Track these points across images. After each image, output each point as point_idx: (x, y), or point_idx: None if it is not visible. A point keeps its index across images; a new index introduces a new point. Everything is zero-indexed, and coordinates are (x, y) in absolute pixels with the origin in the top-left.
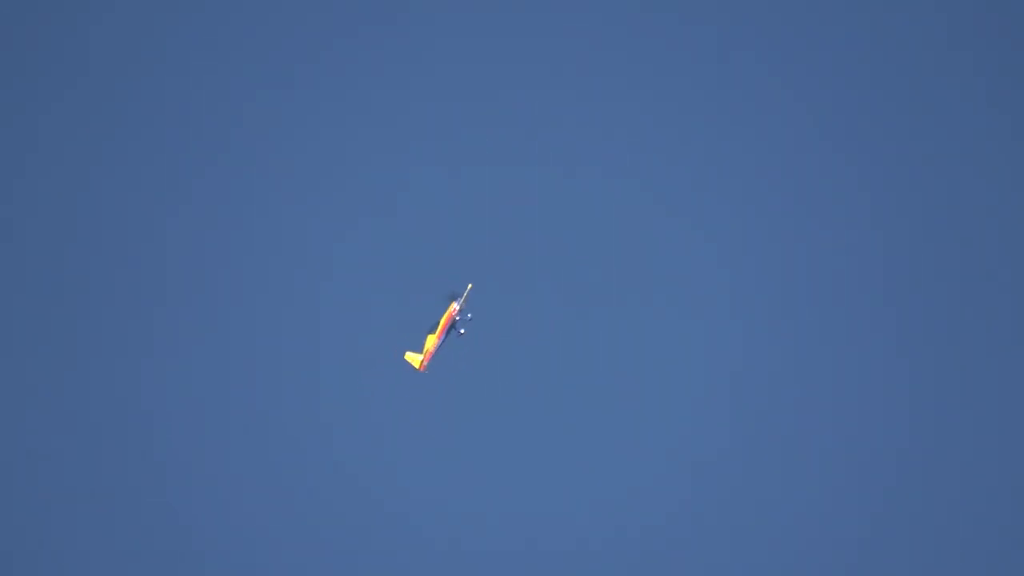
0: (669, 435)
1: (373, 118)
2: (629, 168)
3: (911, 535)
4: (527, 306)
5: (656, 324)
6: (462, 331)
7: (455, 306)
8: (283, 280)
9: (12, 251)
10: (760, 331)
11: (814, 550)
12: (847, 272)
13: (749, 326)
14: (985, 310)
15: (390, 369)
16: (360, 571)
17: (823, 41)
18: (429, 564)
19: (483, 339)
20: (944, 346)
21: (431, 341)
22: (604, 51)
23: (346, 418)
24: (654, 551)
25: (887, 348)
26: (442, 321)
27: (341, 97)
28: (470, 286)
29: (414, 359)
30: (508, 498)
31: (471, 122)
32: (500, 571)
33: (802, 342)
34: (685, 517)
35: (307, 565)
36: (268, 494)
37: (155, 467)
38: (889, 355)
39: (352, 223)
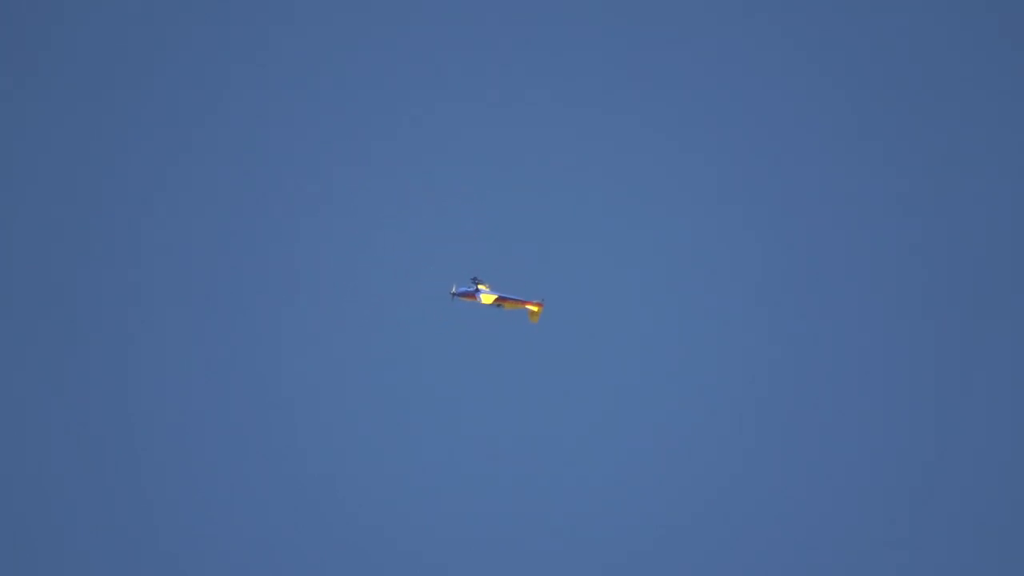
0: (671, 432)
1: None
2: (632, 161)
3: (913, 536)
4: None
5: (657, 321)
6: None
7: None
8: (283, 279)
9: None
10: (763, 327)
11: (814, 548)
12: (849, 270)
13: (757, 320)
14: (1000, 310)
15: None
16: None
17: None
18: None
19: (483, 334)
20: (949, 347)
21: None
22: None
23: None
24: (651, 550)
25: (896, 345)
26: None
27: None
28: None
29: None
30: (506, 493)
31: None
32: (495, 568)
33: (804, 340)
34: (685, 514)
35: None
36: (266, 490)
37: (146, 468)
38: (896, 353)
39: (353, 224)
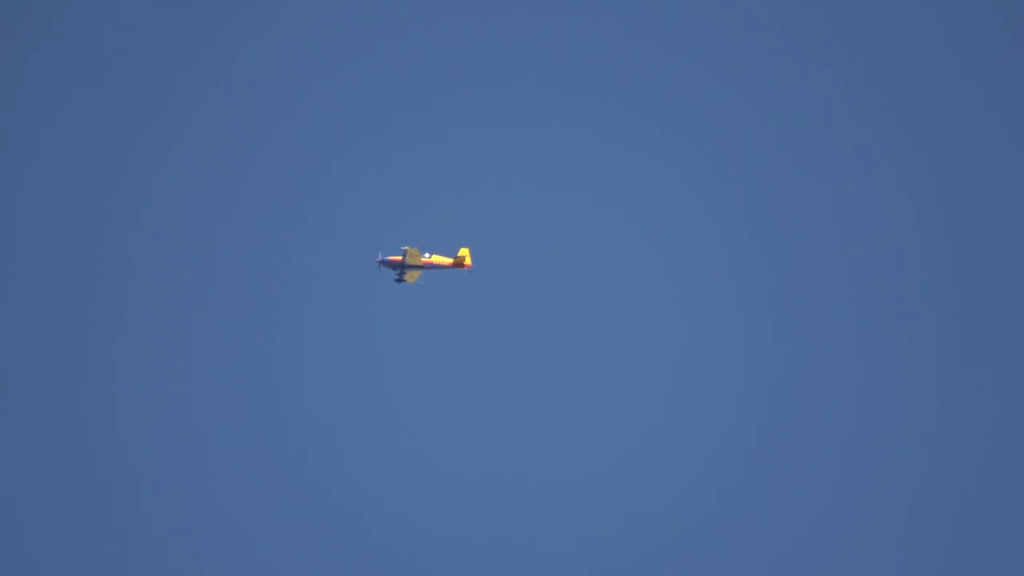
0: (669, 426)
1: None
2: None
3: (912, 535)
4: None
5: (657, 319)
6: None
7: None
8: (282, 278)
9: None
10: (763, 327)
11: (814, 548)
12: (848, 271)
13: (755, 320)
14: (992, 310)
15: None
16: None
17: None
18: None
19: (484, 336)
20: (945, 345)
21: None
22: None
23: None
24: (652, 551)
25: (893, 343)
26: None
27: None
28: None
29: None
30: (508, 491)
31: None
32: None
33: (803, 340)
34: (686, 511)
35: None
36: (263, 488)
37: (142, 466)
38: (892, 352)
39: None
